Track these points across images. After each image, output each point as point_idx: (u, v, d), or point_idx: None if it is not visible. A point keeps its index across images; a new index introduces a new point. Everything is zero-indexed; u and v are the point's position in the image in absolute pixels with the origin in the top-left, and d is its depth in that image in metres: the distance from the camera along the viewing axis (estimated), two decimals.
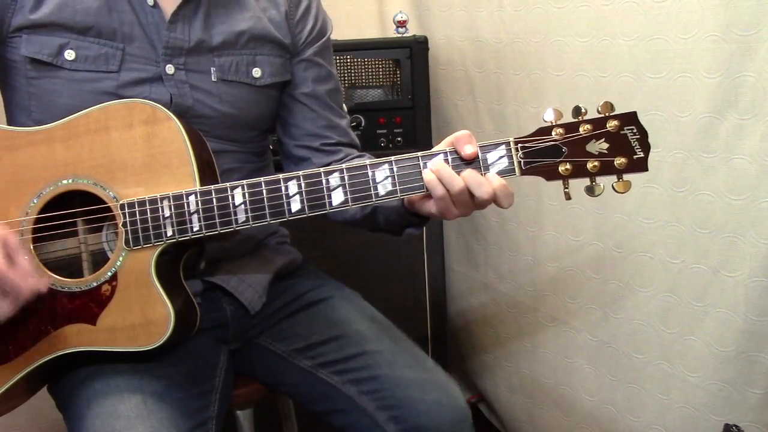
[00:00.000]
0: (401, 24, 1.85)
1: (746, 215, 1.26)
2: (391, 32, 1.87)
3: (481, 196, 0.92)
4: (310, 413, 1.17)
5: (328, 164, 1.20)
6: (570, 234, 1.65)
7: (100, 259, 1.01)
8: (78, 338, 0.98)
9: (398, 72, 1.79)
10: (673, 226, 1.40)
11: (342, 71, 1.78)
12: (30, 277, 0.92)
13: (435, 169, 0.93)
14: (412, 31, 1.91)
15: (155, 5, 1.06)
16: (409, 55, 1.77)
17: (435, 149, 0.96)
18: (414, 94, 1.78)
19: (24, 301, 0.92)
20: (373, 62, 1.79)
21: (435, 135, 1.91)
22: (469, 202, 0.94)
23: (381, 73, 1.80)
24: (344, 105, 1.28)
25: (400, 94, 1.79)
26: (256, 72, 1.13)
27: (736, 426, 1.29)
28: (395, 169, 0.95)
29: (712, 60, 1.25)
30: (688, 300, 1.40)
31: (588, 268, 1.62)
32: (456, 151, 0.95)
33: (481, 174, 0.93)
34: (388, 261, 1.80)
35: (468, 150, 0.94)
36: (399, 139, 1.79)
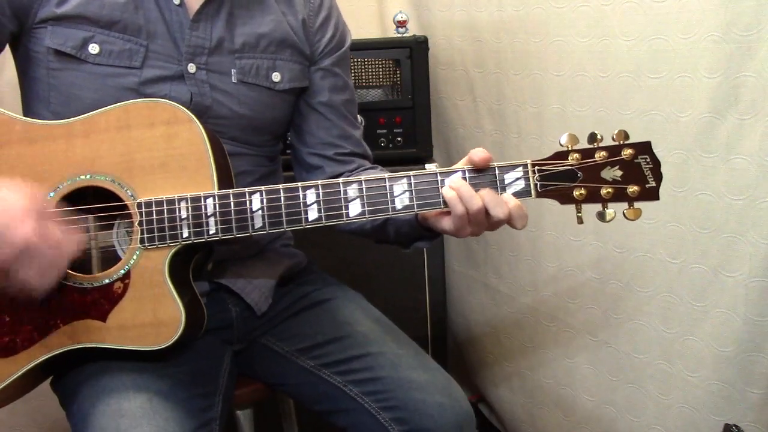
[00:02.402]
0: (401, 24, 1.86)
1: (746, 215, 1.26)
2: (391, 32, 1.87)
3: (497, 215, 0.93)
4: (312, 413, 1.17)
5: (341, 174, 1.20)
6: (570, 234, 1.65)
7: (109, 257, 1.02)
8: (87, 335, 0.98)
9: (398, 72, 1.79)
10: (673, 226, 1.40)
11: None
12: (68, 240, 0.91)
13: (455, 187, 0.94)
14: (412, 31, 1.91)
15: (181, 4, 1.06)
16: (409, 55, 1.77)
17: (453, 167, 0.97)
18: (414, 94, 1.78)
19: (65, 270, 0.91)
20: (373, 62, 1.79)
21: (435, 135, 1.91)
22: (483, 221, 0.94)
23: (381, 73, 1.80)
24: (359, 116, 1.28)
25: (400, 94, 1.79)
26: (276, 76, 1.14)
27: (736, 426, 1.29)
28: (413, 184, 0.96)
29: (712, 60, 1.25)
30: (688, 300, 1.40)
31: (588, 268, 1.62)
32: (473, 169, 0.95)
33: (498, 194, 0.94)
34: (389, 261, 1.80)
35: (478, 154, 0.94)
36: (399, 139, 1.79)
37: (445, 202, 0.95)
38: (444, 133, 2.00)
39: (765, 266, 1.25)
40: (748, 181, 1.25)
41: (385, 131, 1.79)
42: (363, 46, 1.78)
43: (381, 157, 1.78)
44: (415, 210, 0.97)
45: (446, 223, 0.97)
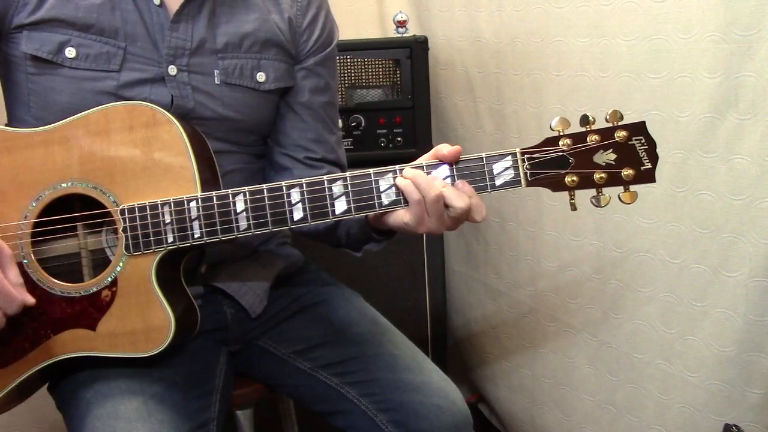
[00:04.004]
0: (401, 24, 1.85)
1: (746, 215, 1.26)
2: (391, 32, 1.87)
3: (458, 205, 0.91)
4: (311, 413, 1.17)
5: None
6: (570, 234, 1.65)
7: (100, 262, 1.01)
8: (78, 343, 0.98)
9: (398, 72, 1.79)
10: (673, 226, 1.40)
11: (342, 71, 1.78)
12: (21, 287, 0.93)
13: (410, 176, 0.93)
14: (412, 31, 1.90)
15: (161, 4, 1.04)
16: (409, 55, 1.76)
17: (433, 161, 0.95)
18: (414, 94, 1.78)
19: (13, 312, 0.92)
20: (373, 62, 1.79)
21: (435, 135, 1.91)
22: (442, 213, 0.92)
23: (381, 73, 1.80)
24: (339, 121, 1.25)
25: (400, 94, 1.79)
26: (261, 76, 1.11)
27: (736, 426, 1.29)
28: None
29: (712, 60, 1.25)
30: (688, 300, 1.40)
31: (588, 268, 1.62)
32: (460, 161, 0.94)
33: (487, 184, 0.93)
34: (388, 261, 1.80)
35: (447, 148, 0.93)
36: (399, 139, 1.79)
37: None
38: (444, 133, 2.00)
39: (765, 266, 1.25)
40: (748, 181, 1.25)
41: (385, 131, 1.79)
42: (363, 46, 1.78)
43: (381, 157, 1.79)
44: (402, 205, 0.94)
45: (405, 214, 0.95)
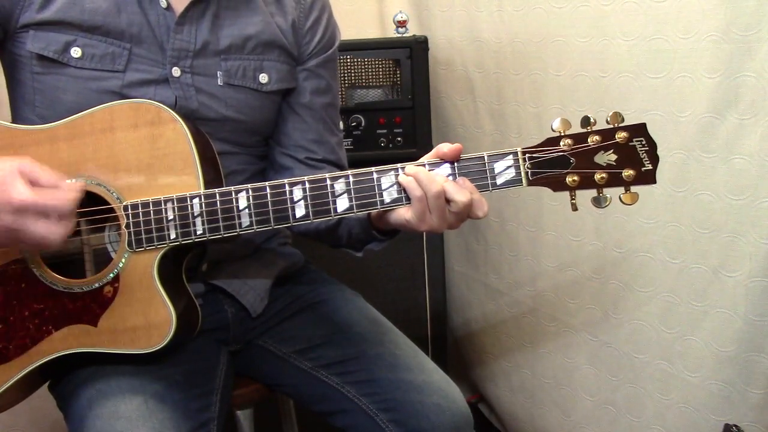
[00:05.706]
0: (401, 24, 1.86)
1: (746, 215, 1.26)
2: (391, 32, 1.87)
3: (459, 200, 0.91)
4: (311, 413, 1.17)
5: None
6: (570, 234, 1.65)
7: (102, 259, 1.01)
8: (79, 339, 0.98)
9: (398, 72, 1.79)
10: (673, 226, 1.40)
11: (342, 71, 1.78)
12: (60, 189, 0.88)
13: (412, 173, 0.93)
14: (412, 31, 1.91)
15: (168, 8, 1.05)
16: (409, 55, 1.77)
17: (435, 159, 0.95)
18: (414, 94, 1.78)
19: (71, 214, 0.88)
20: (373, 62, 1.79)
21: (435, 135, 1.91)
22: (443, 208, 0.92)
23: (381, 73, 1.80)
24: (340, 123, 1.26)
25: (400, 94, 1.79)
26: (263, 78, 1.12)
27: (736, 426, 1.29)
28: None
29: (712, 60, 1.25)
30: (688, 300, 1.40)
31: (588, 268, 1.62)
32: (461, 160, 0.94)
33: (488, 181, 0.93)
34: (388, 261, 1.80)
35: (448, 146, 0.93)
36: (399, 139, 1.79)
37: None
38: (444, 133, 2.00)
39: (765, 266, 1.25)
40: (748, 181, 1.25)
41: (385, 131, 1.79)
42: (363, 46, 1.78)
43: (381, 157, 1.79)
44: (404, 203, 0.95)
45: (407, 212, 0.95)
